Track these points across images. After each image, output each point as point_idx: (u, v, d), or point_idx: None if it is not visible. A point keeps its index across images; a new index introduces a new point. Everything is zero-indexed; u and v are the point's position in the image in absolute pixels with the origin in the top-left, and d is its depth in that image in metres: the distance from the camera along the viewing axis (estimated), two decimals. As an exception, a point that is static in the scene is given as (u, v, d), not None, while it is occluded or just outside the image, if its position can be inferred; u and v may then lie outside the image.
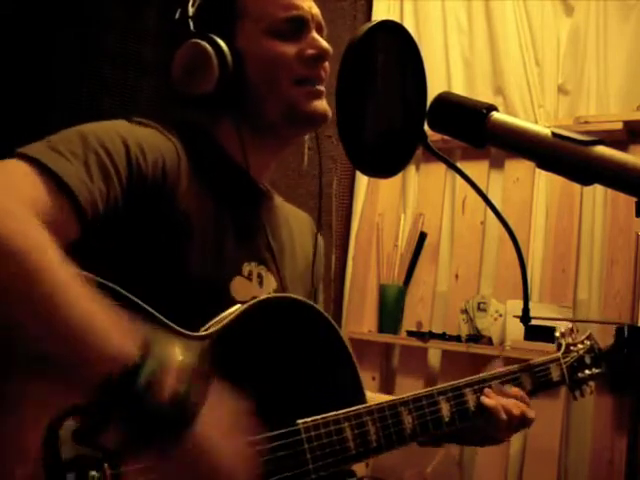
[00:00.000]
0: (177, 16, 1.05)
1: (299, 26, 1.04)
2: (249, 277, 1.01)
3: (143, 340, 0.69)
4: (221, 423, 0.73)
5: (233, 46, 1.01)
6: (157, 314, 0.81)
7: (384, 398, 1.01)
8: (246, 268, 1.01)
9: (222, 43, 1.00)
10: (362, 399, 0.98)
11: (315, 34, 1.05)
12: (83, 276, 0.71)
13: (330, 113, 1.05)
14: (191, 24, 1.02)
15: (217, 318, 0.89)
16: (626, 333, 1.06)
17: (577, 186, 2.16)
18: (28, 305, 0.67)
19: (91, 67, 1.64)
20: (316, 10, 1.08)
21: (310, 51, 1.03)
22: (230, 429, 0.74)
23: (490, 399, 1.10)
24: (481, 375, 1.14)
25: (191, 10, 1.03)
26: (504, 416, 1.09)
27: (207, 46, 0.99)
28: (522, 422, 1.13)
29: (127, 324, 0.70)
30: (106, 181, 0.84)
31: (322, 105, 1.05)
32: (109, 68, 1.68)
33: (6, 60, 1.49)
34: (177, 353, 0.71)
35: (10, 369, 0.69)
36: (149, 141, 0.93)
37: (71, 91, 1.59)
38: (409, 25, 2.60)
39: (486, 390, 1.11)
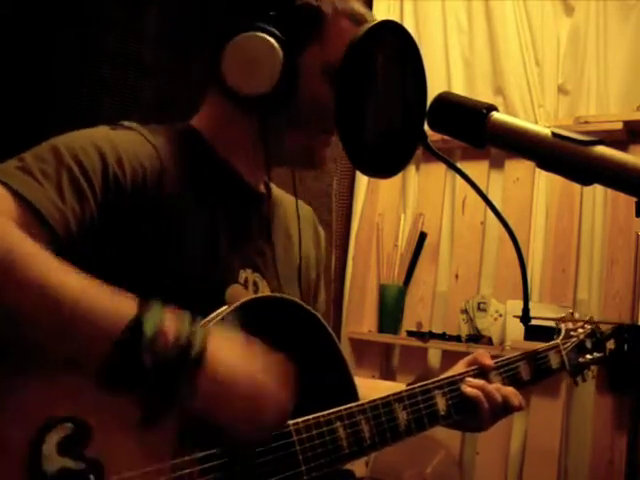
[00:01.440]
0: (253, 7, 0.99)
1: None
2: (245, 284, 1.00)
3: (138, 300, 0.74)
4: (232, 352, 0.78)
5: (296, 62, 0.98)
6: None
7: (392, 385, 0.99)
8: (242, 275, 1.00)
9: (294, 54, 0.97)
10: (354, 397, 0.96)
11: None
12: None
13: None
14: (270, 17, 0.97)
15: (204, 321, 0.87)
16: (626, 333, 1.06)
17: (577, 186, 2.16)
18: (19, 293, 0.69)
19: (91, 67, 1.64)
20: None
21: None
22: (242, 355, 0.79)
23: (472, 388, 1.07)
24: (480, 366, 1.12)
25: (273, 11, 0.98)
26: (486, 405, 1.06)
27: (280, 51, 0.95)
28: (505, 409, 1.09)
29: (117, 291, 0.74)
30: (80, 200, 0.83)
31: (326, 154, 1.08)
32: (109, 68, 1.68)
33: (6, 60, 1.49)
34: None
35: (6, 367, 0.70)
36: (129, 150, 0.91)
37: (71, 91, 1.59)
38: (409, 25, 2.60)
39: (467, 379, 1.08)
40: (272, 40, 0.95)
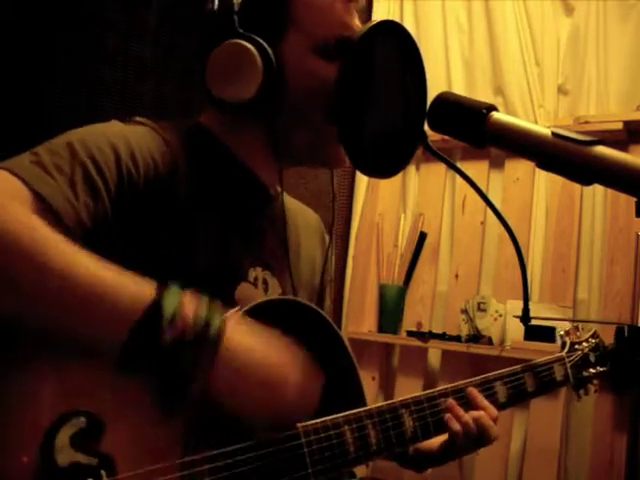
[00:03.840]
0: (216, 8, 0.97)
1: (347, 47, 0.97)
2: (254, 283, 0.99)
3: (156, 283, 0.75)
4: (249, 337, 0.79)
5: (277, 54, 0.95)
6: None
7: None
8: (252, 273, 0.99)
9: (269, 49, 0.94)
10: (363, 402, 0.97)
11: None
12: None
13: (347, 161, 1.03)
14: (236, 21, 0.95)
15: None
16: (626, 333, 1.06)
17: (577, 186, 2.16)
18: (36, 285, 0.70)
19: (91, 67, 1.64)
20: None
21: None
22: (260, 341, 0.79)
23: (452, 422, 1.03)
24: (485, 375, 1.12)
25: (236, 6, 0.96)
26: (462, 437, 1.03)
27: (254, 51, 0.93)
28: (480, 441, 1.06)
29: (134, 274, 0.75)
30: (93, 197, 0.83)
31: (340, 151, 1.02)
32: (109, 68, 1.68)
33: (6, 60, 1.49)
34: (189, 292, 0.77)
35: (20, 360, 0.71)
36: (142, 145, 0.90)
37: (71, 92, 1.59)
38: (409, 25, 2.60)
39: (449, 402, 1.04)
40: (242, 42, 0.93)
